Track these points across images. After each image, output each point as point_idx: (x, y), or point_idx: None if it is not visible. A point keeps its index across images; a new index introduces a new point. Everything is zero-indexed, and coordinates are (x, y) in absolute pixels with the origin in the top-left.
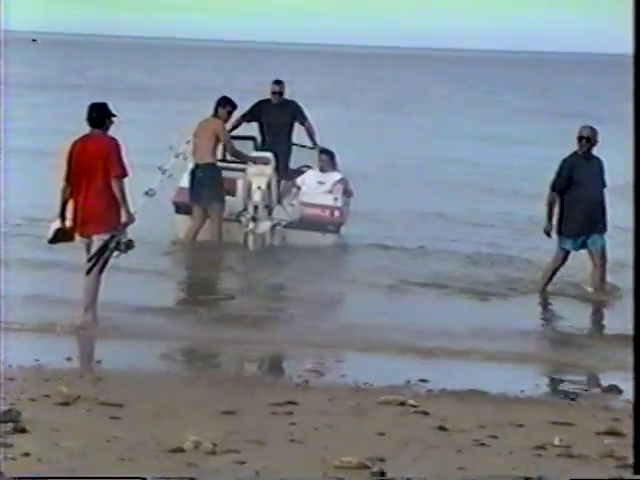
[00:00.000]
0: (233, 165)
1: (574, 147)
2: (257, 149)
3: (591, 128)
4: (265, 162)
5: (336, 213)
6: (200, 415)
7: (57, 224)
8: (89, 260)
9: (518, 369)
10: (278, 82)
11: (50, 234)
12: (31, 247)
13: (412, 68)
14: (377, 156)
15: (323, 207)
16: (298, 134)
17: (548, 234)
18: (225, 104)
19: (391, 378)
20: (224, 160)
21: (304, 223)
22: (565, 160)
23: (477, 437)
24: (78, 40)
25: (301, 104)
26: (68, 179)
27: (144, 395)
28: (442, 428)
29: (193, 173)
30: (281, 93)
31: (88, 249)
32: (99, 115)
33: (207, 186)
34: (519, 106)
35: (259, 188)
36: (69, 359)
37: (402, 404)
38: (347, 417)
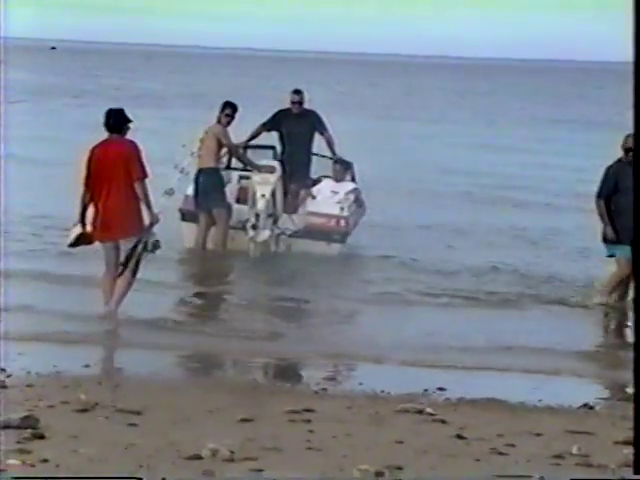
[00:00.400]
0: (249, 173)
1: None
2: (276, 159)
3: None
4: (270, 170)
5: (342, 223)
6: (218, 422)
7: (78, 229)
8: (122, 265)
9: (536, 379)
10: (298, 92)
11: (71, 239)
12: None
13: (426, 76)
14: (393, 166)
15: (329, 216)
16: (319, 144)
17: (613, 241)
18: (224, 108)
19: (409, 386)
20: (237, 168)
21: (309, 232)
22: (610, 167)
23: (495, 446)
24: (97, 48)
25: (321, 114)
26: (87, 184)
27: (162, 402)
28: (460, 436)
29: (197, 179)
30: (301, 103)
31: (113, 253)
32: (117, 120)
33: (209, 192)
34: (533, 114)
35: (263, 196)
36: (87, 366)
37: (420, 412)
38: (365, 425)
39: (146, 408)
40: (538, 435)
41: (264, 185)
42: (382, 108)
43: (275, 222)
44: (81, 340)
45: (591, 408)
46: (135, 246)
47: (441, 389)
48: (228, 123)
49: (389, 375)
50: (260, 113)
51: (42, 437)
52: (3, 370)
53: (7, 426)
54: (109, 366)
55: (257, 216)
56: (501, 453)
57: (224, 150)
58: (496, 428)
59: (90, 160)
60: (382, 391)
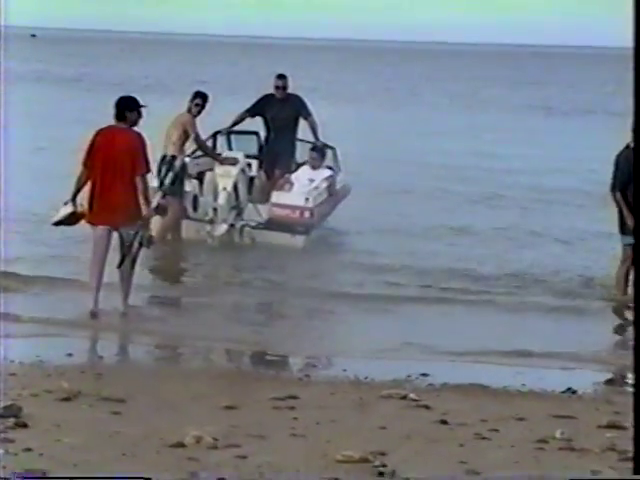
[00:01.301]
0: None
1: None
2: (261, 144)
3: None
4: (232, 163)
5: (306, 214)
6: (201, 410)
7: (69, 208)
8: (123, 255)
9: (521, 364)
10: (281, 76)
11: (59, 216)
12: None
13: (410, 62)
14: (380, 157)
15: (293, 208)
16: (304, 129)
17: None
18: (194, 97)
19: (392, 373)
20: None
21: (273, 224)
22: (619, 155)
23: (478, 431)
24: (77, 36)
25: (305, 99)
26: (86, 165)
27: (145, 390)
28: (443, 422)
29: (159, 168)
30: (285, 87)
31: (106, 239)
32: (127, 108)
33: (168, 181)
34: (513, 101)
35: (224, 189)
36: (70, 355)
37: (403, 398)
38: (349, 411)
39: (129, 396)
40: (521, 420)
41: (225, 178)
42: (369, 95)
43: (239, 214)
44: (64, 329)
45: (574, 392)
46: (134, 237)
47: (424, 375)
48: (198, 113)
49: (372, 362)
50: (241, 100)
51: (25, 426)
52: None
53: None
54: (92, 355)
55: (215, 210)
56: (485, 438)
57: (190, 139)
58: (480, 413)
59: (93, 143)
60: (366, 377)
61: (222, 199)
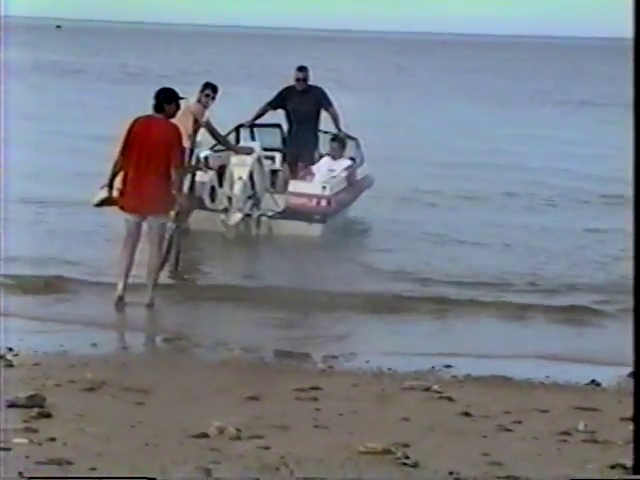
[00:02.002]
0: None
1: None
2: (284, 137)
3: None
4: (248, 152)
5: (323, 202)
6: (224, 401)
7: (105, 193)
8: (167, 248)
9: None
10: (302, 68)
11: (97, 199)
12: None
13: (429, 53)
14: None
15: (309, 196)
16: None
17: None
18: (204, 88)
19: (415, 364)
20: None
21: (290, 213)
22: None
23: (502, 423)
24: (103, 26)
25: (326, 90)
26: (123, 154)
27: (169, 381)
28: (466, 414)
29: None
30: (305, 79)
31: (136, 227)
32: (166, 100)
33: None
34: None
35: (240, 179)
36: (94, 345)
37: (426, 390)
38: (371, 403)
39: (153, 387)
40: (544, 412)
41: (241, 167)
42: (388, 87)
43: (256, 204)
44: (88, 320)
45: (598, 385)
46: (172, 231)
47: (448, 366)
48: (208, 103)
49: (395, 353)
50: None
51: (49, 416)
52: (10, 349)
53: (13, 405)
54: (116, 345)
55: (229, 199)
56: (508, 430)
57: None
58: (503, 405)
59: (130, 132)
60: (389, 369)
61: (237, 188)
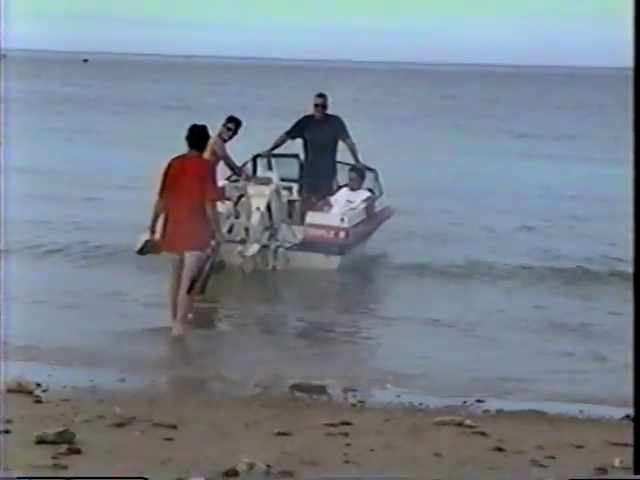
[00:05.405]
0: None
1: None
2: (301, 166)
3: None
4: (265, 183)
5: (341, 234)
6: (254, 436)
7: (146, 236)
8: (193, 279)
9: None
10: (321, 95)
11: (139, 245)
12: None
13: (447, 84)
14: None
15: (327, 228)
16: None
17: None
18: (227, 122)
19: (447, 398)
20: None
21: (307, 245)
22: None
23: (535, 458)
24: (130, 60)
25: (344, 120)
26: (162, 195)
27: (198, 416)
28: (499, 449)
29: None
30: (324, 106)
31: (178, 266)
32: (198, 137)
33: None
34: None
35: (257, 209)
36: (123, 380)
37: (459, 425)
38: (403, 438)
39: (182, 422)
40: (579, 447)
41: (259, 198)
42: (405, 117)
43: (273, 235)
44: (118, 355)
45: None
46: (205, 262)
47: (480, 401)
48: (230, 137)
49: (426, 388)
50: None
51: (78, 452)
52: (39, 385)
53: (42, 441)
54: (145, 380)
55: (246, 230)
56: (541, 465)
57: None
58: (536, 440)
59: (167, 173)
60: (420, 403)
61: (254, 219)
